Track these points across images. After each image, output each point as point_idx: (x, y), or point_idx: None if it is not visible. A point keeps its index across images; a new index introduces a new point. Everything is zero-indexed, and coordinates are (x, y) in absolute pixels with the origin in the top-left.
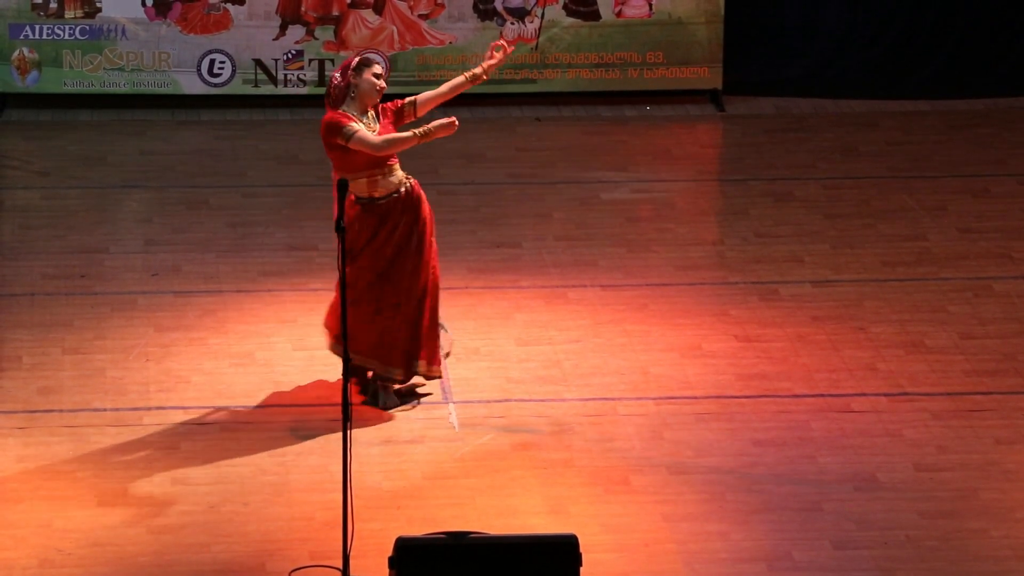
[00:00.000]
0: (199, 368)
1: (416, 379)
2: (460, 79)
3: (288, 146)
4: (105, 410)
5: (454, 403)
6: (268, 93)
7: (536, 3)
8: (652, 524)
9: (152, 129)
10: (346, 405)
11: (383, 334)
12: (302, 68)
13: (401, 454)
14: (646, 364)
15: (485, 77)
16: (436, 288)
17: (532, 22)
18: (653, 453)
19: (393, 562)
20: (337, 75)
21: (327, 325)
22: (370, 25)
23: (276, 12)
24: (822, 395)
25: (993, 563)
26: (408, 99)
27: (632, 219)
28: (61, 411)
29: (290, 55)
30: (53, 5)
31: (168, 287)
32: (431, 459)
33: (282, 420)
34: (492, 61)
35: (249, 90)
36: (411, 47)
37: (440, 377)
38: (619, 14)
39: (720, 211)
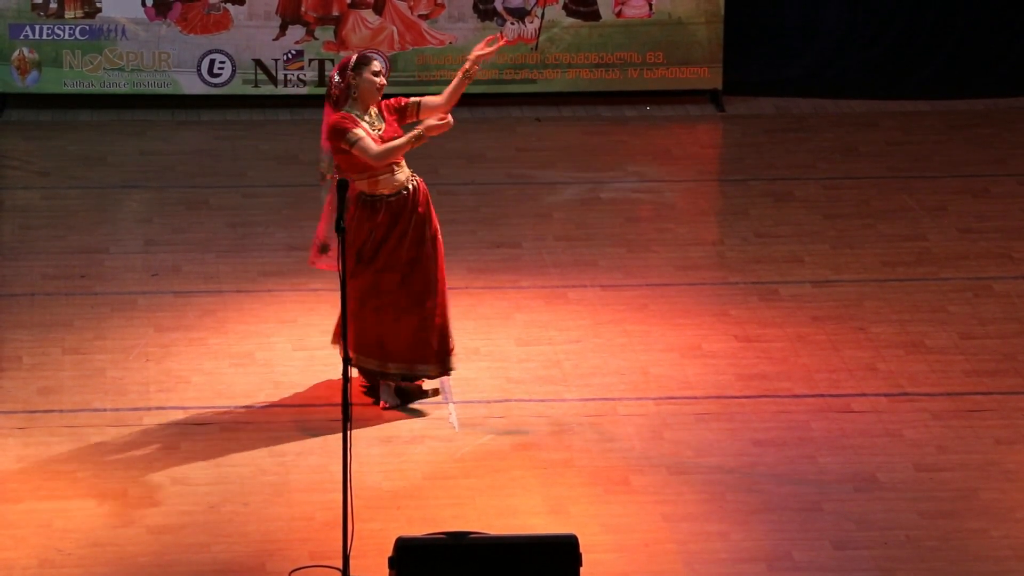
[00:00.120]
0: (199, 368)
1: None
2: (456, 79)
3: (288, 146)
4: (105, 410)
5: (454, 403)
6: (268, 93)
7: (536, 3)
8: (652, 524)
9: (152, 129)
10: (346, 405)
11: (416, 333)
12: (302, 68)
13: (401, 454)
14: (646, 364)
15: (476, 67)
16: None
17: (532, 22)
18: (653, 453)
19: (393, 562)
20: (336, 76)
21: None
22: (370, 25)
23: (276, 12)
24: (822, 395)
25: (993, 563)
26: (413, 99)
27: (632, 219)
28: (61, 411)
29: (290, 55)
30: (53, 5)
31: (168, 287)
32: (431, 459)
33: (282, 420)
34: (481, 52)
35: (249, 90)
36: (411, 47)
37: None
38: (619, 14)
39: (720, 211)
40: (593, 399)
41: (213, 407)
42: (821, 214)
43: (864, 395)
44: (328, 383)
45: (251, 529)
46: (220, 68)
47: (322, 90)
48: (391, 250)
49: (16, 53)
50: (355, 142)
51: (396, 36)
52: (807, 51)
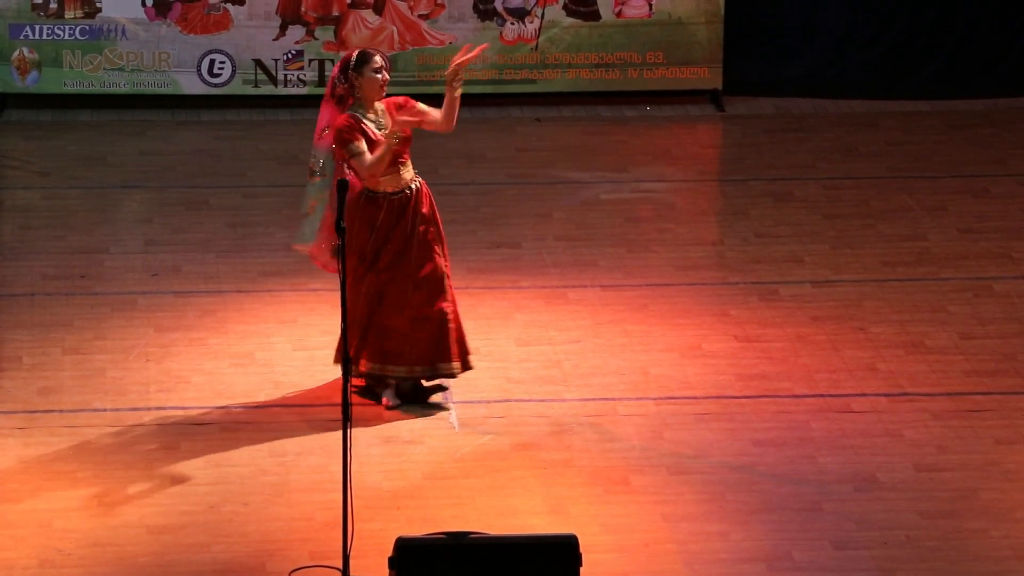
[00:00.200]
0: (199, 368)
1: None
2: (446, 95)
3: (288, 146)
4: (105, 410)
5: (454, 403)
6: (268, 93)
7: (536, 3)
8: (652, 524)
9: (152, 129)
10: (346, 405)
11: (436, 333)
12: (302, 68)
13: (401, 454)
14: (646, 364)
15: (459, 76)
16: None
17: (532, 22)
18: (653, 453)
19: (393, 562)
20: (338, 75)
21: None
22: (370, 25)
23: (276, 12)
24: (822, 395)
25: (993, 563)
26: (420, 106)
27: (632, 219)
28: (61, 411)
29: (290, 55)
30: (53, 5)
31: (168, 287)
32: (431, 459)
33: (282, 420)
34: (460, 60)
35: (249, 90)
36: (411, 47)
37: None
38: (619, 14)
39: (720, 211)
40: (593, 399)
41: (213, 407)
42: (821, 214)
43: (864, 395)
44: (328, 383)
45: (251, 529)
46: (220, 68)
47: (322, 90)
48: (397, 251)
49: (16, 53)
50: (353, 155)
51: (396, 36)
52: (807, 51)
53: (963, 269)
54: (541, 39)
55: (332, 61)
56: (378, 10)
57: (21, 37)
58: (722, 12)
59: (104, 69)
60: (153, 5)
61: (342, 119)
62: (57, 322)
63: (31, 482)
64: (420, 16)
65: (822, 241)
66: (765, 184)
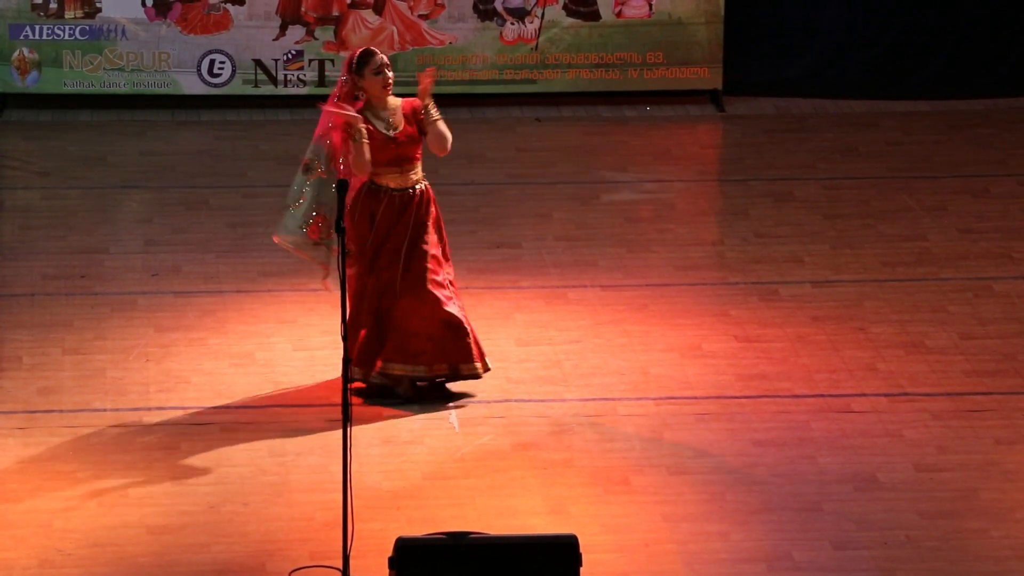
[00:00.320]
0: (199, 368)
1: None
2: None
3: (288, 146)
4: (105, 410)
5: (454, 403)
6: (268, 93)
7: (536, 3)
8: (652, 524)
9: (152, 129)
10: (346, 405)
11: (455, 333)
12: (302, 68)
13: (401, 454)
14: (646, 364)
15: (428, 103)
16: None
17: (532, 22)
18: (653, 453)
19: (393, 562)
20: (343, 76)
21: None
22: (370, 25)
23: (276, 12)
24: (822, 395)
25: (993, 563)
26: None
27: (632, 219)
28: (61, 411)
29: (290, 55)
30: (53, 5)
31: (168, 287)
32: (431, 459)
33: (282, 420)
34: (424, 88)
35: (249, 90)
36: (411, 47)
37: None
38: (619, 14)
39: (720, 211)
40: (593, 399)
41: (213, 407)
42: (821, 214)
43: (864, 395)
44: (328, 383)
45: (251, 529)
46: (220, 68)
47: (322, 91)
48: (395, 249)
49: (16, 53)
50: (356, 141)
51: (396, 36)
52: (807, 51)
53: (963, 269)
54: (541, 39)
55: (332, 61)
56: (378, 10)
57: (21, 37)
58: (722, 12)
59: (104, 69)
60: (153, 5)
61: (343, 117)
62: (57, 322)
63: (31, 482)
64: (420, 16)
65: (822, 241)
66: (765, 184)
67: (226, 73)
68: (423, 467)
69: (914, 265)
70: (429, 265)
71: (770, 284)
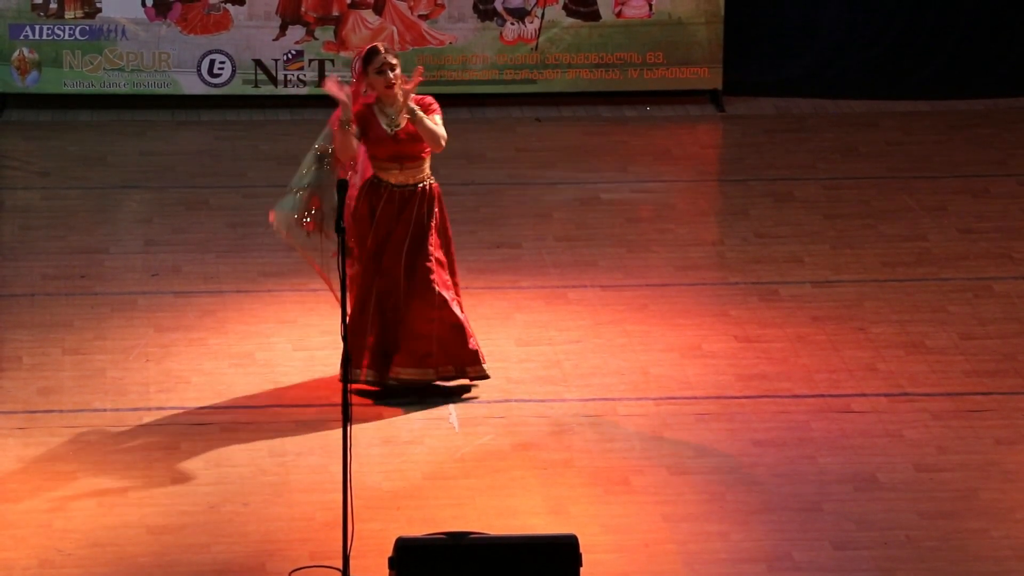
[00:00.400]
0: (199, 368)
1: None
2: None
3: (288, 146)
4: (105, 410)
5: (454, 404)
6: (268, 93)
7: (536, 3)
8: (652, 524)
9: (152, 129)
10: (346, 405)
11: (461, 335)
12: (302, 68)
13: (401, 454)
14: (646, 364)
15: (410, 104)
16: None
17: (532, 22)
18: (653, 453)
19: (393, 562)
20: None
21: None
22: (370, 25)
23: (276, 12)
24: (822, 395)
25: (993, 563)
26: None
27: (632, 219)
28: (61, 411)
29: (290, 55)
30: (53, 5)
31: (168, 287)
32: (431, 459)
33: (282, 420)
34: (407, 86)
35: (249, 90)
36: (411, 47)
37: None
38: (619, 14)
39: (720, 211)
40: (593, 399)
41: (213, 407)
42: (821, 214)
43: (864, 395)
44: (328, 383)
45: (251, 529)
46: (220, 68)
47: (321, 91)
48: (397, 250)
49: (16, 53)
50: (341, 125)
51: (396, 36)
52: (807, 51)
53: (963, 269)
54: (541, 39)
55: (332, 61)
56: (378, 10)
57: (21, 37)
58: (722, 12)
59: (104, 69)
60: (153, 5)
61: (357, 105)
62: (57, 322)
63: (31, 482)
64: (420, 16)
65: (822, 241)
66: (765, 184)
67: (226, 73)
68: (423, 467)
69: (914, 265)
70: (431, 266)
71: (770, 284)
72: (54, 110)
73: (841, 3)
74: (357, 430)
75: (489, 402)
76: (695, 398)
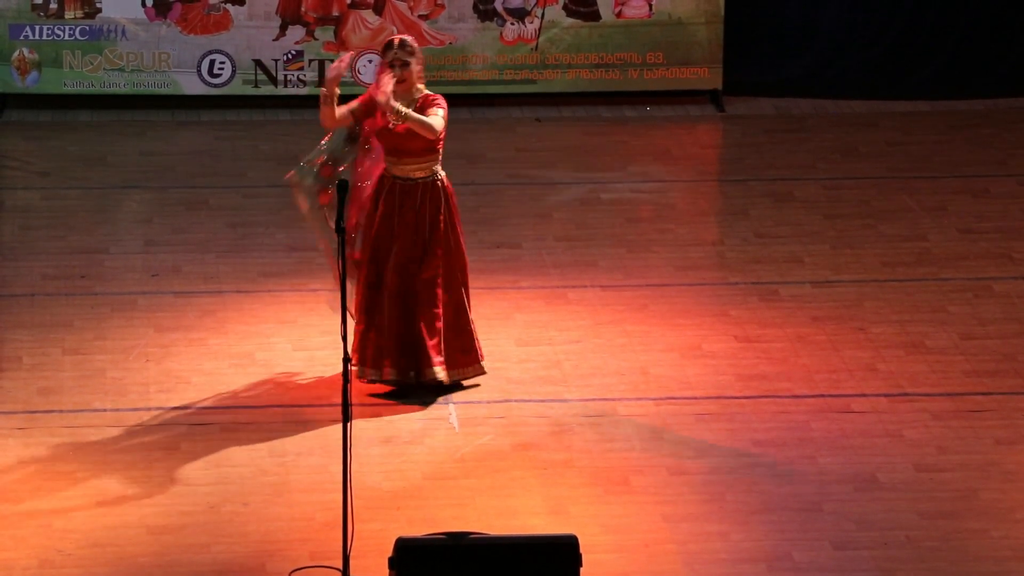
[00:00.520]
0: (199, 368)
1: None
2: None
3: (288, 146)
4: (105, 410)
5: (454, 403)
6: (268, 93)
7: (536, 3)
8: (652, 524)
9: (152, 130)
10: (346, 405)
11: (461, 334)
12: (302, 68)
13: (401, 454)
14: (646, 364)
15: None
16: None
17: (532, 22)
18: (653, 453)
19: (393, 562)
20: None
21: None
22: (370, 25)
23: (276, 12)
24: (822, 395)
25: (993, 563)
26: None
27: (632, 219)
28: (61, 411)
29: (290, 56)
30: (53, 5)
31: (168, 287)
32: (431, 459)
33: (282, 420)
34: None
35: (249, 90)
36: None
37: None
38: (619, 14)
39: (720, 211)
40: (593, 399)
41: (213, 407)
42: (821, 214)
43: (864, 395)
44: (328, 383)
45: (251, 529)
46: (220, 68)
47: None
48: (408, 246)
49: (16, 53)
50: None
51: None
52: (807, 51)
53: (963, 269)
54: (541, 39)
55: (332, 61)
56: (378, 10)
57: (21, 37)
58: (722, 12)
59: (104, 69)
60: (153, 5)
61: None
62: (57, 322)
63: (31, 482)
64: (420, 16)
65: (822, 241)
66: (765, 184)
67: (226, 73)
68: (423, 467)
69: (914, 265)
70: (430, 265)
71: (770, 284)
72: (54, 110)
73: (841, 3)
74: (357, 430)
75: (489, 402)
76: (695, 398)
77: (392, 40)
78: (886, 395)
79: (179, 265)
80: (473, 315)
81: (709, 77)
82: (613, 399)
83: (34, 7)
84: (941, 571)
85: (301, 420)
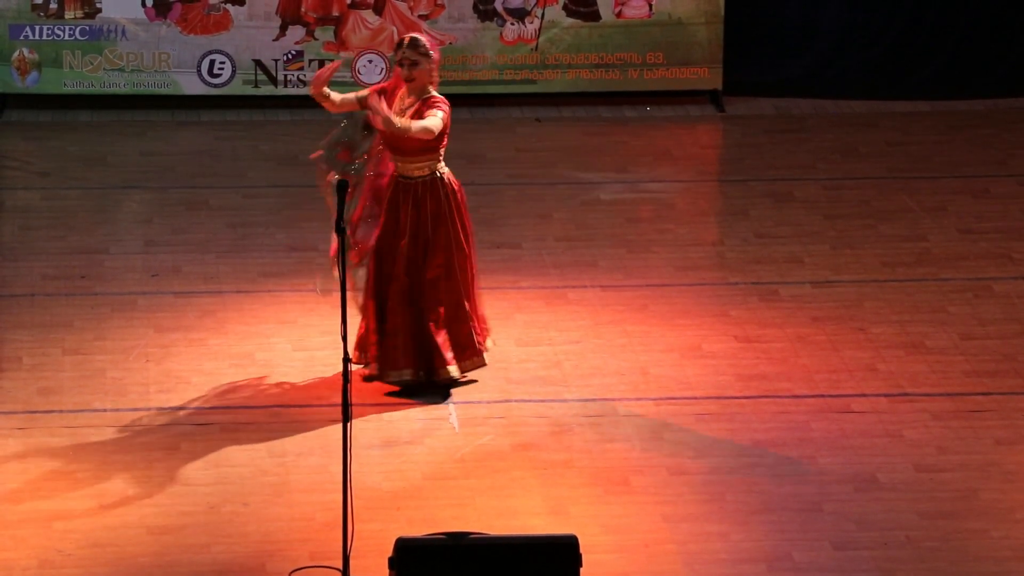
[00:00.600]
0: (199, 368)
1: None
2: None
3: (288, 146)
4: (105, 410)
5: (454, 403)
6: (268, 94)
7: (536, 3)
8: (652, 524)
9: (152, 130)
10: (346, 405)
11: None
12: (302, 69)
13: (401, 455)
14: (646, 364)
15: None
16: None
17: (532, 22)
18: (653, 453)
19: (393, 563)
20: None
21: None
22: (370, 26)
23: (276, 13)
24: (822, 395)
25: (993, 564)
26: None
27: (632, 219)
28: (61, 411)
29: (290, 56)
30: (53, 5)
31: (168, 288)
32: (431, 460)
33: (282, 420)
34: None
35: (249, 91)
36: None
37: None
38: (619, 14)
39: (720, 211)
40: (593, 399)
41: (213, 407)
42: (821, 215)
43: (864, 395)
44: (328, 383)
45: (251, 529)
46: (220, 68)
47: None
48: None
49: (16, 53)
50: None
51: (396, 36)
52: (807, 51)
53: (963, 269)
54: (541, 39)
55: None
56: (378, 10)
57: (21, 37)
58: (722, 12)
59: (104, 69)
60: (153, 5)
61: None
62: (57, 322)
63: (31, 482)
64: (420, 16)
65: (822, 242)
66: (765, 184)
67: (226, 73)
68: (423, 467)
69: (914, 265)
70: (432, 265)
71: (770, 284)
72: (54, 110)
73: (841, 3)
74: (357, 430)
75: (489, 402)
76: (695, 398)
77: (403, 39)
78: (886, 395)
79: (179, 265)
80: (483, 309)
81: (709, 77)
82: (613, 399)
83: (34, 7)
84: (941, 571)
85: (301, 420)
